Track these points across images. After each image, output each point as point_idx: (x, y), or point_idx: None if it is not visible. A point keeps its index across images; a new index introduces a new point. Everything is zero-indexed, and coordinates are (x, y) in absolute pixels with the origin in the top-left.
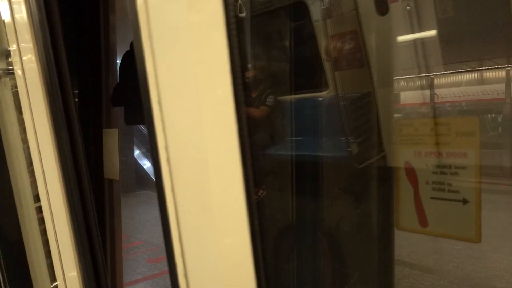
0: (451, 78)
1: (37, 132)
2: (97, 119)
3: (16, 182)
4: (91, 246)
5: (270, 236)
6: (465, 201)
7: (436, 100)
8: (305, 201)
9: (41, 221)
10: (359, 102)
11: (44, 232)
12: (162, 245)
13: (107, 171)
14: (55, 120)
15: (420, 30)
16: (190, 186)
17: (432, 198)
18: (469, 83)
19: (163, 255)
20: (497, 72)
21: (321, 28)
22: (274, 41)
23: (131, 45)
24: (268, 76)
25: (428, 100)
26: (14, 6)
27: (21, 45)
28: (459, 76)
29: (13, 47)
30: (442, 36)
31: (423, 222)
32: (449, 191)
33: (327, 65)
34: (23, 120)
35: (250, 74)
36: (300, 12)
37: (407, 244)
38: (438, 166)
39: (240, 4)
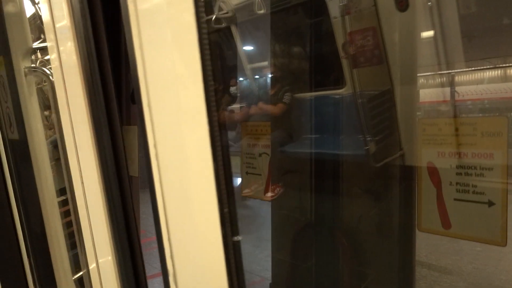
0: (473, 75)
1: (74, 128)
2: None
3: (40, 177)
4: (129, 235)
5: (289, 235)
6: (490, 203)
7: (456, 98)
8: (322, 199)
9: (64, 214)
10: (377, 99)
11: (66, 226)
12: None
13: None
14: (95, 115)
15: (441, 26)
16: (174, 178)
17: (455, 199)
18: (492, 80)
19: None
20: None
21: (339, 24)
22: (292, 38)
23: None
24: (286, 73)
25: (448, 98)
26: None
27: (60, 41)
28: (481, 73)
29: (50, 44)
30: (464, 32)
31: (446, 224)
32: (474, 192)
33: (345, 62)
34: (46, 116)
35: (268, 71)
36: (319, 8)
37: (426, 245)
38: (463, 167)
39: (259, 1)
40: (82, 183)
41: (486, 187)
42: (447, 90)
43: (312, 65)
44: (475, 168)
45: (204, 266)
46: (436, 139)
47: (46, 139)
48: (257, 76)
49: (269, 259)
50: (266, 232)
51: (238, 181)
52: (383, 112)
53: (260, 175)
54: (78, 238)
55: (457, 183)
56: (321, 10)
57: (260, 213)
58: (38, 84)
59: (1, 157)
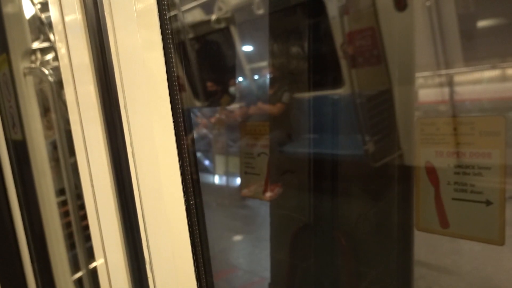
0: (472, 75)
1: (84, 126)
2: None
3: (39, 178)
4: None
5: (287, 234)
6: (488, 203)
7: (456, 98)
8: (320, 198)
9: (63, 215)
10: (376, 99)
11: (65, 226)
12: None
13: None
14: (107, 113)
15: (440, 26)
16: (148, 174)
17: (453, 199)
18: (491, 80)
19: None
20: None
21: (338, 25)
22: (291, 38)
23: None
24: (284, 73)
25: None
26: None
27: (70, 38)
28: (480, 73)
29: (58, 39)
30: (463, 32)
31: (444, 223)
32: (471, 192)
33: (343, 62)
34: (46, 117)
35: (267, 71)
36: (317, 8)
37: (425, 244)
38: (461, 166)
39: (258, 1)
40: (92, 182)
41: (484, 187)
42: (446, 90)
43: (310, 65)
44: (473, 167)
45: (174, 254)
46: (434, 138)
47: (46, 139)
48: (256, 76)
49: (268, 259)
50: (266, 232)
51: (238, 181)
52: (381, 112)
53: (259, 175)
54: (78, 238)
55: (455, 183)
56: (320, 10)
57: (260, 213)
58: (38, 84)
59: (1, 157)
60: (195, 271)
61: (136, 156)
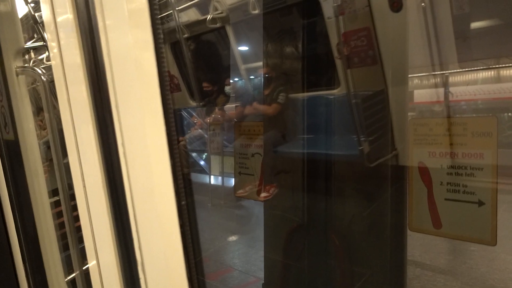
0: (467, 76)
1: (75, 126)
2: None
3: (32, 178)
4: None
5: (282, 235)
6: (480, 203)
7: (450, 98)
8: (315, 199)
9: (56, 216)
10: (371, 100)
11: (58, 227)
12: None
13: None
14: (99, 113)
15: (435, 27)
16: (140, 174)
17: (446, 199)
18: (485, 81)
19: None
20: None
21: (333, 25)
22: (286, 38)
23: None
24: (280, 74)
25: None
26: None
27: (62, 37)
28: (475, 74)
29: (50, 38)
30: (457, 33)
31: (437, 223)
32: (464, 192)
33: (339, 63)
34: (39, 117)
35: (262, 71)
36: (312, 9)
37: (420, 244)
38: (453, 167)
39: (253, 1)
40: (84, 182)
41: (476, 187)
42: (441, 90)
43: (306, 66)
44: (466, 168)
45: (165, 254)
46: (427, 139)
47: (39, 139)
48: (252, 76)
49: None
50: (261, 233)
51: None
52: (377, 112)
53: (253, 175)
54: (71, 239)
55: (447, 183)
56: (315, 10)
57: (254, 213)
58: (31, 84)
59: None
60: (187, 272)
61: (127, 157)
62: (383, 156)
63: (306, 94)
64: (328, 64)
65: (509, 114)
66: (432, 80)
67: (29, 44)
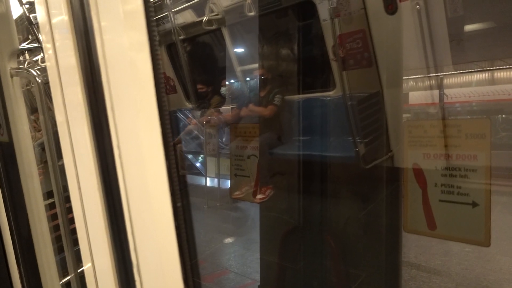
0: (461, 78)
1: (71, 128)
2: None
3: (26, 180)
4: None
5: (277, 237)
6: (474, 204)
7: (445, 100)
8: (311, 201)
9: (51, 218)
10: (367, 101)
11: (53, 229)
12: None
13: None
14: (94, 114)
15: (430, 29)
16: (135, 176)
17: (440, 200)
18: (479, 83)
19: None
20: (508, 72)
21: (329, 27)
22: (282, 40)
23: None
24: (276, 76)
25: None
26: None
27: (57, 38)
28: (470, 76)
29: (45, 39)
30: (452, 35)
31: (431, 225)
32: (458, 193)
33: (334, 65)
34: (33, 119)
35: (258, 73)
36: (308, 11)
37: (415, 245)
38: (448, 168)
39: (249, 3)
40: (79, 184)
41: (470, 188)
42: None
43: (302, 68)
44: (460, 169)
45: (161, 256)
46: (422, 141)
47: (33, 141)
48: (248, 78)
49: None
50: (257, 235)
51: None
52: (372, 114)
53: (249, 177)
54: (66, 241)
55: (442, 185)
56: (311, 12)
57: (250, 215)
58: (26, 86)
59: None
60: (183, 274)
61: (123, 159)
62: (378, 158)
63: (302, 96)
64: (323, 66)
65: (503, 116)
66: (427, 82)
67: (24, 45)
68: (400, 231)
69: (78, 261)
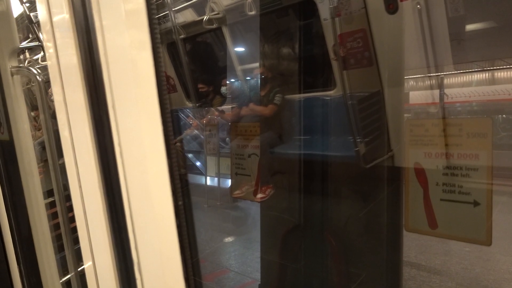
0: (462, 78)
1: (72, 126)
2: None
3: (27, 179)
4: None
5: (278, 236)
6: (476, 203)
7: (446, 100)
8: (311, 200)
9: (51, 217)
10: (367, 101)
11: (53, 228)
12: None
13: None
14: (95, 113)
15: (430, 29)
16: (136, 174)
17: (442, 200)
18: (480, 83)
19: None
20: (508, 72)
21: (330, 26)
22: (283, 40)
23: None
24: (276, 75)
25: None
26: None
27: (58, 36)
28: (470, 76)
29: (46, 37)
30: (452, 35)
31: (433, 224)
32: (459, 193)
33: (335, 64)
34: (34, 117)
35: (259, 72)
36: (309, 10)
37: (415, 245)
38: (449, 168)
39: (250, 2)
40: (80, 182)
41: (471, 188)
42: (437, 92)
43: (302, 67)
44: (461, 168)
45: (162, 255)
46: (423, 139)
47: (34, 140)
48: (248, 77)
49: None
50: (257, 234)
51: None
52: (373, 113)
53: (250, 176)
54: (66, 240)
55: (443, 184)
56: (312, 12)
57: (251, 214)
58: (26, 85)
59: None
60: (184, 273)
61: (124, 157)
62: (379, 157)
63: (302, 95)
64: (324, 65)
65: (503, 116)
66: (428, 82)
67: (24, 44)
68: (401, 230)
69: (79, 260)
